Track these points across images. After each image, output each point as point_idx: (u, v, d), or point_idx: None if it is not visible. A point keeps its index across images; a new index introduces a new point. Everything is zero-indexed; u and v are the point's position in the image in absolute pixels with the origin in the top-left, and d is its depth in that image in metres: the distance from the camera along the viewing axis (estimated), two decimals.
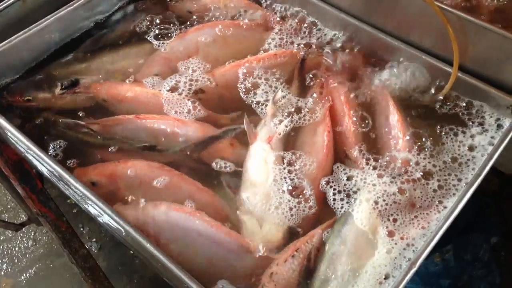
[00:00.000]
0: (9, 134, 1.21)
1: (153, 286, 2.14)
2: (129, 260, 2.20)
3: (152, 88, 1.32)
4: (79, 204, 1.30)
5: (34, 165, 1.37)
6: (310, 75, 1.37)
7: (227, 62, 1.38)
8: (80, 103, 1.35)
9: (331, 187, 1.16)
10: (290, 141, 1.26)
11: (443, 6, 1.17)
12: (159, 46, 1.43)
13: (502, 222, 2.19)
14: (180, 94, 1.30)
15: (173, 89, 1.31)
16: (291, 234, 1.11)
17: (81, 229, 2.30)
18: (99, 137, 1.26)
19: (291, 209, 1.13)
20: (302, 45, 1.42)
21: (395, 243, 1.06)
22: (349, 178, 1.17)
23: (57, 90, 1.33)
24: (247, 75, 1.34)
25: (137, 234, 1.00)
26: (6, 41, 1.29)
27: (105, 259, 2.21)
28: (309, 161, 1.20)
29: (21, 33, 1.31)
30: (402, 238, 1.06)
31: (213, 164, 1.20)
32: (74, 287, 2.13)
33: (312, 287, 1.04)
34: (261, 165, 1.19)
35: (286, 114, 1.28)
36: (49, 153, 1.23)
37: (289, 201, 1.13)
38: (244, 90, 1.32)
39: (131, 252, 2.21)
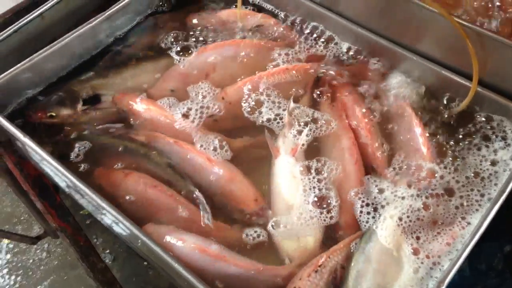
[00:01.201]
0: (28, 149, 1.21)
1: None
2: (143, 271, 2.20)
3: (169, 109, 1.32)
4: (93, 214, 1.31)
5: (50, 177, 1.38)
6: (320, 90, 1.38)
7: (239, 79, 1.38)
8: (102, 118, 1.36)
9: (359, 198, 1.17)
10: (313, 152, 1.26)
11: (461, 21, 1.18)
12: (179, 61, 1.43)
13: None
14: (192, 121, 1.30)
15: (185, 116, 1.31)
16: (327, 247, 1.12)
17: (95, 240, 2.30)
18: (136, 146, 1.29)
19: (325, 220, 1.15)
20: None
21: (421, 262, 1.06)
22: (380, 191, 1.18)
23: (79, 106, 1.34)
24: (255, 90, 1.34)
25: (159, 249, 1.01)
26: (28, 59, 1.30)
27: (119, 270, 2.21)
28: (335, 167, 1.21)
29: (42, 50, 1.32)
30: (428, 257, 1.07)
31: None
32: None
33: None
34: (290, 178, 1.20)
35: (303, 124, 1.29)
36: (69, 164, 1.24)
37: (321, 213, 1.14)
38: (252, 107, 1.33)
39: (145, 263, 2.22)
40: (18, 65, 1.29)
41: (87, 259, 1.63)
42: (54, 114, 1.32)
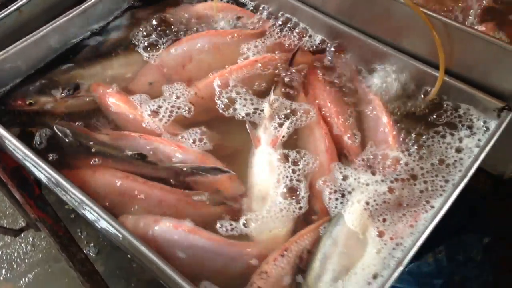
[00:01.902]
0: (6, 141, 1.24)
1: None
2: (126, 264, 2.22)
3: (139, 106, 1.34)
4: (76, 209, 1.33)
5: (32, 172, 1.40)
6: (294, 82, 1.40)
7: (210, 74, 1.40)
8: (80, 107, 1.39)
9: (327, 186, 1.20)
10: (291, 144, 1.29)
11: (428, 12, 1.21)
12: (155, 55, 1.46)
13: (495, 222, 2.22)
14: (160, 120, 1.32)
15: (154, 113, 1.33)
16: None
17: (79, 234, 2.32)
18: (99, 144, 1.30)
19: (300, 209, 1.17)
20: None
21: (385, 244, 1.09)
22: (345, 178, 1.20)
23: (58, 94, 1.37)
24: (226, 87, 1.37)
25: (133, 238, 1.03)
26: (3, 51, 1.32)
27: (103, 263, 2.23)
28: (312, 160, 1.24)
29: (18, 42, 1.35)
30: (391, 239, 1.09)
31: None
32: None
33: (302, 286, 1.07)
34: (267, 168, 1.23)
35: (283, 116, 1.32)
36: (47, 159, 1.26)
37: (291, 203, 1.17)
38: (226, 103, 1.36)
39: (129, 256, 2.23)
40: None
41: (66, 250, 1.64)
42: (33, 102, 1.35)
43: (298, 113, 1.32)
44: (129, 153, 1.27)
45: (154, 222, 1.14)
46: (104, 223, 1.10)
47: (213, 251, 1.10)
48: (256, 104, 1.35)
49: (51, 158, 1.28)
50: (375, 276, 1.04)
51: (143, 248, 1.02)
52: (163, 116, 1.32)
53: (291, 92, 1.38)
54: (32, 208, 1.54)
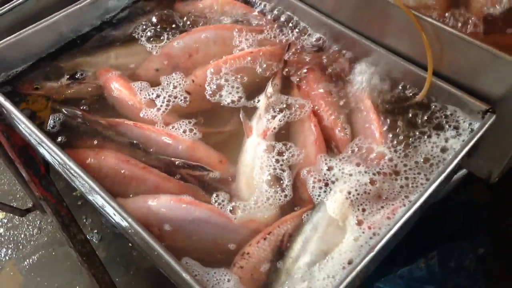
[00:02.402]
0: (16, 119, 1.31)
1: (148, 278, 2.22)
2: (127, 252, 2.30)
3: (139, 92, 1.41)
4: (83, 194, 1.40)
5: (40, 154, 1.48)
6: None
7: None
8: (84, 93, 1.46)
9: (311, 176, 1.25)
10: (283, 134, 1.35)
11: (418, 14, 1.25)
12: (151, 48, 1.54)
13: (492, 233, 2.23)
14: (158, 109, 1.39)
15: (152, 101, 1.40)
16: None
17: (84, 220, 2.40)
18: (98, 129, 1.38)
19: (285, 197, 1.23)
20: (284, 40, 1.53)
21: (363, 232, 1.13)
22: (329, 169, 1.26)
23: (64, 80, 1.45)
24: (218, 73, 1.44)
25: (135, 223, 1.09)
26: (16, 33, 1.41)
27: (104, 249, 2.31)
28: (297, 152, 1.29)
29: (30, 26, 1.43)
30: (369, 228, 1.14)
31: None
32: (73, 274, 2.23)
33: (281, 267, 1.12)
34: (256, 158, 1.29)
35: (278, 109, 1.38)
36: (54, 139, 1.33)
37: (276, 191, 1.23)
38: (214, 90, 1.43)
39: (130, 244, 2.31)
40: (7, 38, 1.40)
41: (67, 229, 1.71)
42: (39, 86, 1.43)
43: (293, 108, 1.38)
44: (126, 140, 1.34)
45: (154, 199, 1.21)
46: (101, 201, 1.17)
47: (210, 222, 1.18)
48: (240, 93, 1.42)
49: (59, 140, 1.36)
50: (350, 262, 1.08)
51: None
52: (161, 105, 1.39)
53: (286, 86, 1.44)
54: (36, 186, 1.61)
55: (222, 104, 1.41)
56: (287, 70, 1.46)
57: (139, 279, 2.22)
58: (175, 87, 1.43)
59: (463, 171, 1.81)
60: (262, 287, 1.11)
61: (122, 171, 1.28)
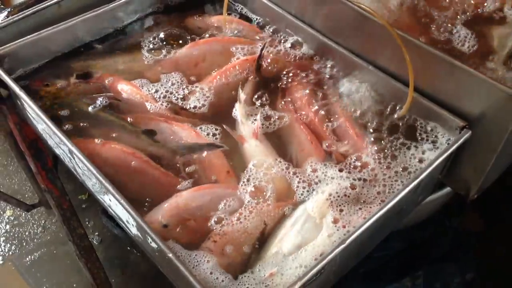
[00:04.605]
0: (29, 111, 1.43)
1: (143, 281, 2.30)
2: (125, 255, 2.38)
3: (142, 88, 1.55)
4: (92, 194, 1.48)
5: (50, 148, 1.59)
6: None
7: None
8: (90, 92, 1.56)
9: (297, 176, 1.35)
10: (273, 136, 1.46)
11: (401, 33, 1.35)
12: (151, 58, 1.67)
13: (482, 261, 2.27)
14: (161, 104, 1.51)
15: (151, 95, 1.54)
16: None
17: (87, 223, 2.50)
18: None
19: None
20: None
21: (337, 229, 1.21)
22: (313, 171, 1.35)
23: (72, 79, 1.57)
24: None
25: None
26: (37, 32, 1.54)
27: (103, 251, 2.40)
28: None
29: (50, 27, 1.57)
30: (344, 226, 1.22)
31: None
32: (73, 272, 2.31)
33: (256, 255, 1.21)
34: (260, 156, 1.39)
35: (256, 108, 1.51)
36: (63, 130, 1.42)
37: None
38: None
39: (128, 248, 2.39)
40: (28, 36, 1.54)
41: (68, 222, 1.81)
42: (49, 84, 1.55)
43: (273, 118, 1.49)
44: (138, 128, 1.44)
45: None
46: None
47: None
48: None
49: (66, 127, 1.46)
50: (321, 254, 1.16)
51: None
52: (158, 98, 1.53)
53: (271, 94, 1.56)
54: (42, 178, 1.72)
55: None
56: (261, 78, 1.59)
57: (134, 282, 2.30)
58: (173, 84, 1.57)
59: (447, 189, 1.88)
60: (234, 265, 1.19)
61: (127, 165, 1.36)
